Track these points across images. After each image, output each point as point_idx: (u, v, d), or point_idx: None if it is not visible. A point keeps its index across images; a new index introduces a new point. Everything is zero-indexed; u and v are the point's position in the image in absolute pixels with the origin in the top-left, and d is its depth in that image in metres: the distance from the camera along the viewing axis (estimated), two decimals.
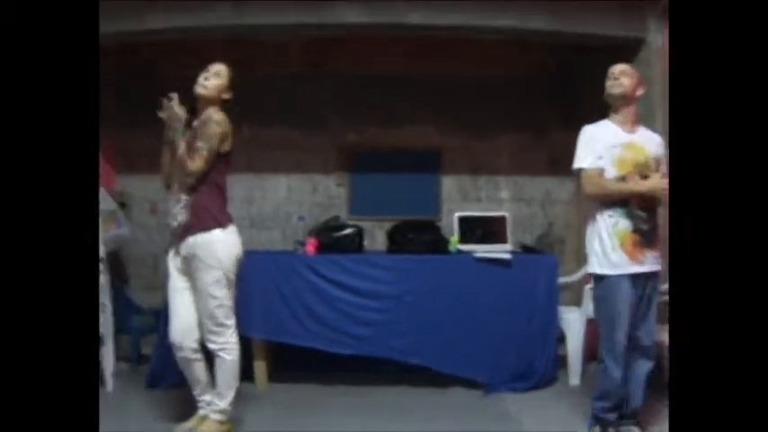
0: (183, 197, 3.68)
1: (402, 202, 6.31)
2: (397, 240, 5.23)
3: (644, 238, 3.61)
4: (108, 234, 5.24)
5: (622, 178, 3.64)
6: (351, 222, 5.49)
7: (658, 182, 3.58)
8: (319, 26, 4.97)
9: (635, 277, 3.61)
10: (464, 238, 5.30)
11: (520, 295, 4.85)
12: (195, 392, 3.85)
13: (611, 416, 3.73)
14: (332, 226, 5.27)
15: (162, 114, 3.67)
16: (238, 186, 6.27)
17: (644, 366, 3.73)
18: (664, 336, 3.96)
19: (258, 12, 4.90)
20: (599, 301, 3.79)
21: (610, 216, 3.66)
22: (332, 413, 4.34)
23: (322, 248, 5.04)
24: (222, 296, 3.68)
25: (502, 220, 5.50)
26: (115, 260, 5.89)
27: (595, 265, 3.73)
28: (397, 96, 6.37)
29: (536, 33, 4.98)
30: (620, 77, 3.71)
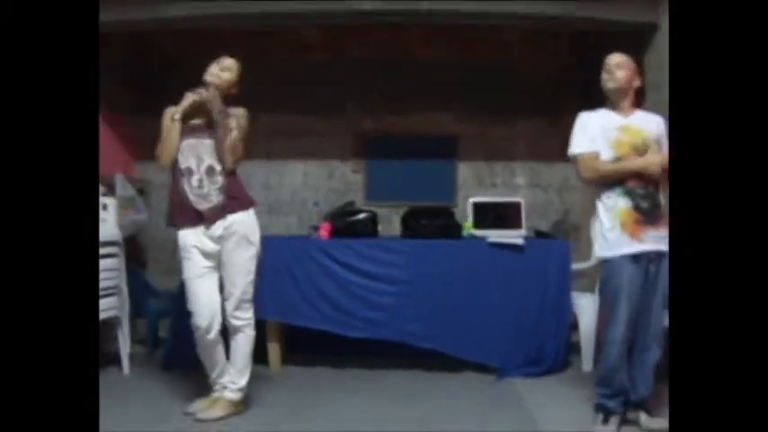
0: (220, 179, 3.80)
1: (418, 188, 6.34)
2: (411, 225, 5.25)
3: (645, 216, 3.57)
4: (126, 219, 5.33)
5: (618, 160, 3.63)
6: (365, 208, 5.52)
7: (651, 158, 3.57)
8: (333, 14, 4.98)
9: (638, 257, 3.57)
10: (478, 224, 5.31)
11: (532, 281, 4.86)
12: (213, 375, 3.94)
13: (613, 403, 3.69)
14: (346, 211, 5.31)
15: (200, 98, 3.81)
16: (256, 172, 6.35)
17: (652, 354, 3.67)
18: None
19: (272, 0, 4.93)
20: (602, 284, 3.78)
21: (608, 198, 3.65)
22: (344, 396, 4.37)
23: (336, 233, 5.08)
24: (254, 272, 3.91)
25: (516, 206, 5.50)
26: (134, 245, 5.97)
27: (597, 250, 3.74)
28: (413, 83, 6.40)
29: (549, 19, 4.94)
30: (616, 71, 3.70)
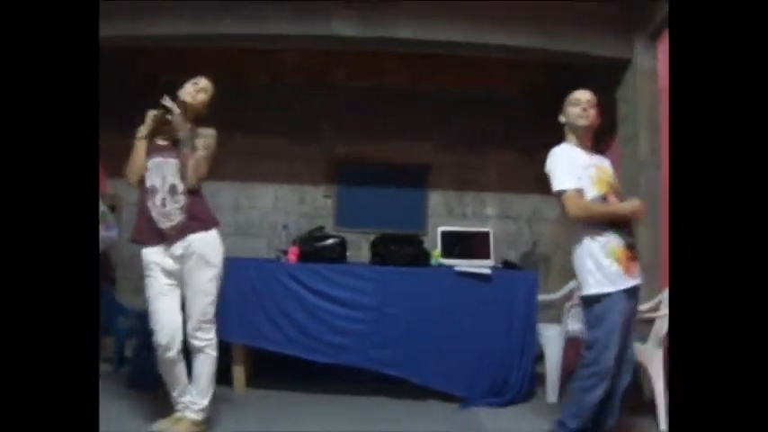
0: (182, 199, 3.82)
1: (389, 215, 6.37)
2: (380, 252, 5.27)
3: (632, 252, 3.62)
4: None
5: (603, 198, 3.63)
6: (335, 233, 5.54)
7: (637, 203, 3.64)
8: (312, 38, 5.03)
9: (630, 292, 3.58)
10: (447, 253, 5.34)
11: (499, 310, 4.86)
12: (174, 394, 3.91)
13: None
14: (315, 236, 5.31)
15: (161, 114, 3.85)
16: (226, 194, 6.37)
17: (626, 381, 3.70)
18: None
19: (255, 21, 4.96)
20: (596, 319, 3.63)
21: (601, 236, 3.60)
22: (308, 421, 4.35)
23: (304, 257, 5.09)
24: (214, 293, 3.87)
25: (485, 235, 5.54)
26: (103, 262, 5.94)
27: (592, 286, 3.61)
28: (388, 110, 6.47)
29: (525, 51, 5.03)
30: (589, 109, 3.74)
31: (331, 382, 5.02)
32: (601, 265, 3.59)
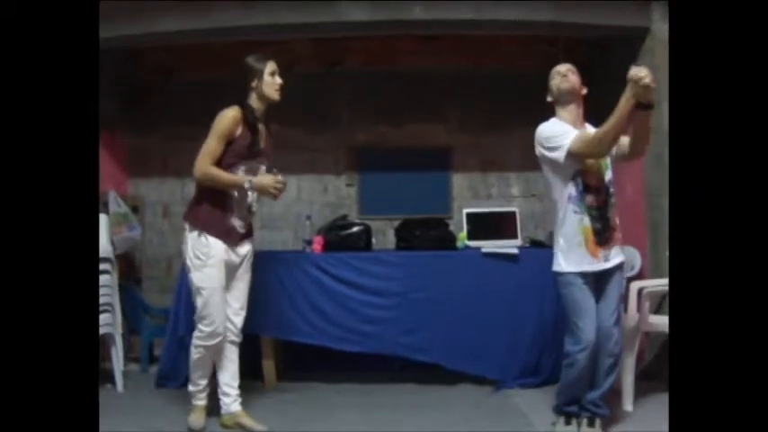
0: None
1: (413, 200, 6.30)
2: (405, 237, 5.24)
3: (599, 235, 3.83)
4: (119, 236, 5.31)
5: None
6: (358, 221, 5.50)
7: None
8: (325, 25, 4.98)
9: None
10: (473, 234, 5.28)
11: (529, 290, 4.81)
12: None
13: (573, 408, 3.84)
14: (339, 225, 5.28)
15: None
16: None
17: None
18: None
19: (264, 12, 4.93)
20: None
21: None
22: (340, 411, 4.34)
23: (329, 247, 5.05)
24: (197, 291, 3.84)
25: (511, 215, 5.48)
26: (128, 262, 5.95)
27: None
28: (405, 94, 6.40)
29: (541, 25, 4.95)
30: (568, 74, 3.81)
31: (362, 371, 5.00)
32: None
